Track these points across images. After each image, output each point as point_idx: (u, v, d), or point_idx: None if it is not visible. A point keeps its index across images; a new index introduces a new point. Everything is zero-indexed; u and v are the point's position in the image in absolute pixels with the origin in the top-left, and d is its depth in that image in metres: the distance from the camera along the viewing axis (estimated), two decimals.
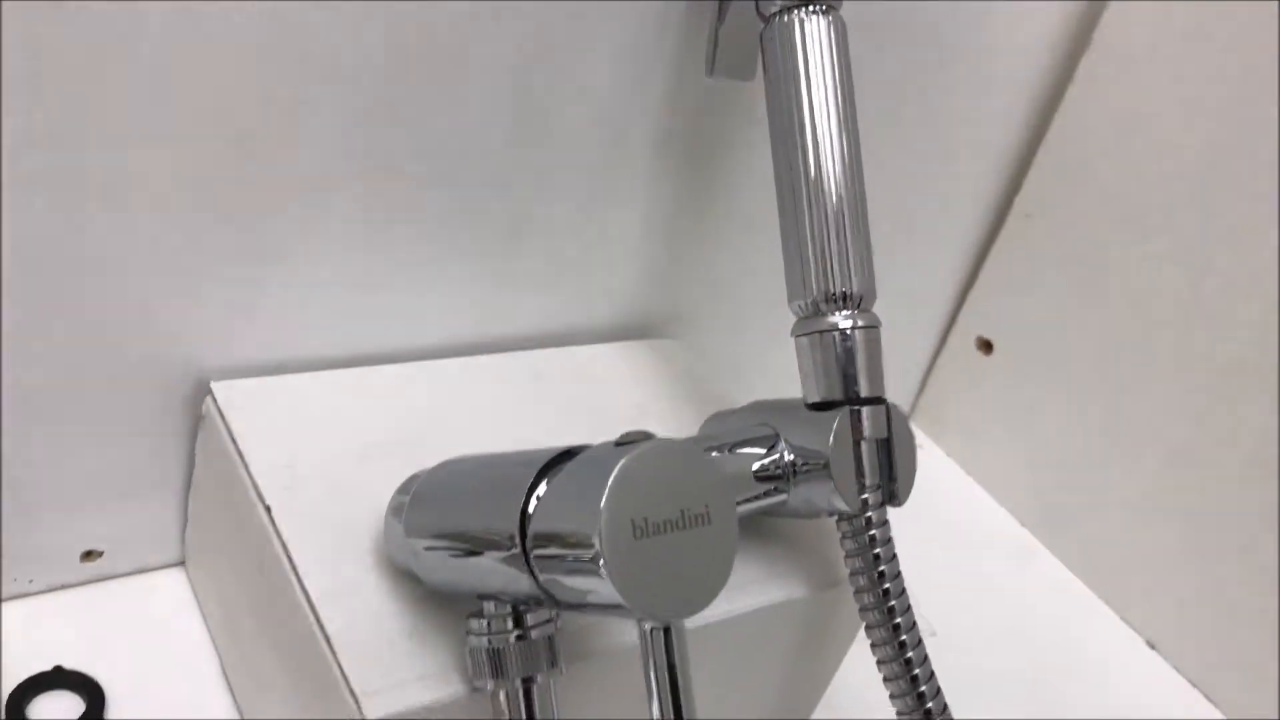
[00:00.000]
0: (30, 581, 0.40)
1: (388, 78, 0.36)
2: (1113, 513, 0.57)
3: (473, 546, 0.29)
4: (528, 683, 0.30)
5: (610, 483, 0.25)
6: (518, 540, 0.27)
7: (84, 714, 0.37)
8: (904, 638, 0.37)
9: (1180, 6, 0.50)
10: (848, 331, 0.36)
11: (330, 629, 0.32)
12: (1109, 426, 0.56)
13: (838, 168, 0.37)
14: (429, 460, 0.37)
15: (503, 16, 0.37)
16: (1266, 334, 0.49)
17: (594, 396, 0.45)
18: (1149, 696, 0.54)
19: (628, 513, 0.25)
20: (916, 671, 0.37)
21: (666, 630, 0.27)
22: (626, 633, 0.33)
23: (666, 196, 0.46)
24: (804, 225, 0.37)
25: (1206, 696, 0.54)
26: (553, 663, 0.30)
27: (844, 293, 0.37)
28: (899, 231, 0.54)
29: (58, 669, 0.38)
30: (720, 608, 0.35)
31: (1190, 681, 0.54)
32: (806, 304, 0.37)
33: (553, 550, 0.26)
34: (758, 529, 0.39)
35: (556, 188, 0.43)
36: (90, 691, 0.37)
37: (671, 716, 0.26)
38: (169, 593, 0.42)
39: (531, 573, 0.27)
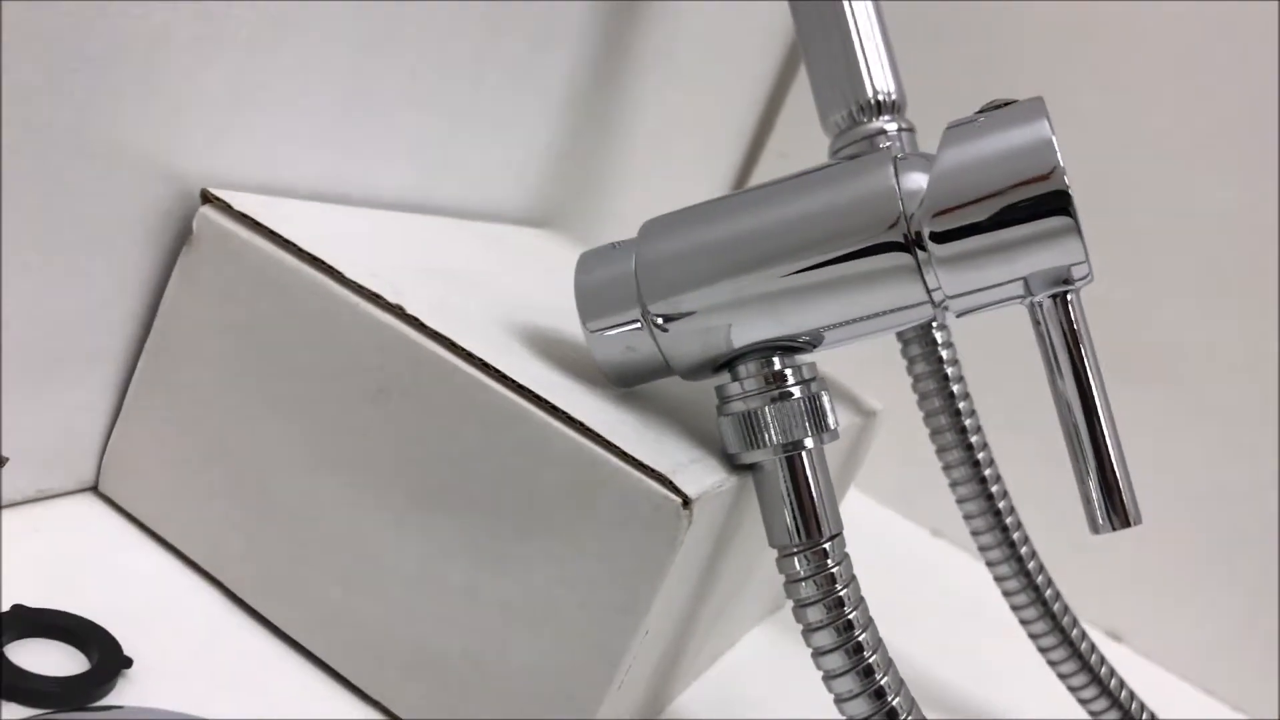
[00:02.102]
0: None
1: None
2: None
3: (802, 271, 0.25)
4: (794, 448, 0.26)
5: (1047, 120, 0.23)
6: (903, 235, 0.24)
7: (93, 669, 0.24)
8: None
9: None
10: (895, 134, 0.37)
11: (594, 424, 0.25)
12: None
13: None
14: (494, 288, 0.31)
15: None
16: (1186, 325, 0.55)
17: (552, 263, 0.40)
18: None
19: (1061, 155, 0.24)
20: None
21: (1065, 300, 0.25)
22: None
23: (571, 99, 0.43)
24: (840, 35, 0.37)
25: (1181, 677, 0.55)
26: (822, 425, 0.27)
27: (884, 99, 0.37)
28: (657, 165, 0.55)
29: (17, 606, 0.24)
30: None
31: (1163, 667, 0.55)
32: (845, 115, 0.37)
33: (975, 219, 0.24)
34: None
35: (492, 72, 0.38)
36: (94, 639, 0.25)
37: (1077, 391, 0.25)
38: (93, 518, 0.29)
39: (918, 267, 0.24)
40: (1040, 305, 0.25)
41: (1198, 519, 0.55)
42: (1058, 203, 0.23)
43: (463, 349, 0.26)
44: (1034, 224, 0.24)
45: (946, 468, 0.37)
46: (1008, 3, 0.58)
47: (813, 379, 0.27)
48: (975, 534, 0.38)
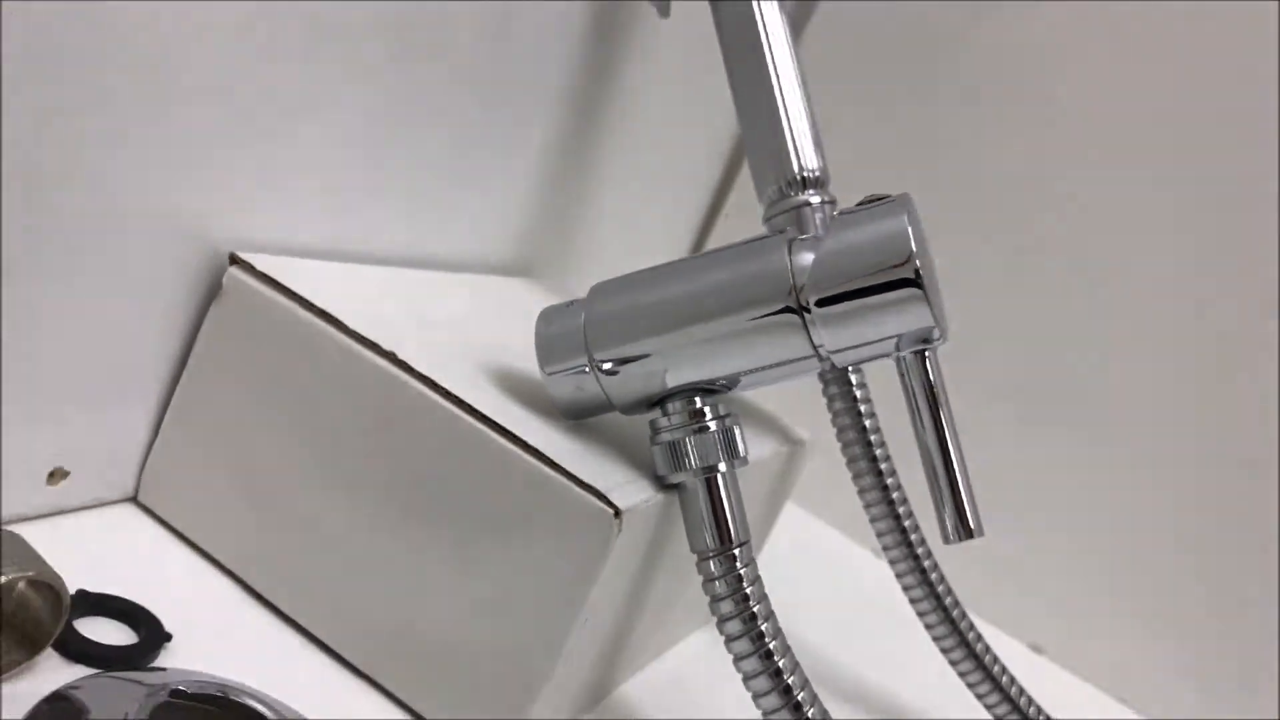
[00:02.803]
0: None
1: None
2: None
3: (716, 330, 0.31)
4: (710, 471, 0.32)
5: (909, 215, 0.30)
6: (792, 302, 0.30)
7: (141, 641, 0.30)
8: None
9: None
10: (818, 206, 0.43)
11: (546, 450, 0.31)
12: None
13: (795, 73, 0.44)
14: (480, 336, 0.37)
15: None
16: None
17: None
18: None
19: (920, 240, 0.30)
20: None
21: (922, 353, 0.31)
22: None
23: (563, 149, 0.50)
24: (771, 120, 0.44)
25: (1105, 691, 0.61)
26: (734, 453, 0.33)
27: (809, 175, 0.44)
28: (626, 219, 0.61)
29: (81, 592, 0.30)
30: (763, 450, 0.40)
31: (1079, 677, 0.61)
32: (776, 189, 0.44)
33: (849, 291, 0.30)
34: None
35: (481, 142, 0.45)
36: (142, 619, 0.31)
37: (934, 428, 0.31)
38: (133, 524, 0.35)
39: (805, 328, 0.31)
40: (904, 359, 0.31)
41: (1112, 543, 0.61)
42: (911, 281, 0.30)
43: (442, 388, 0.32)
44: (892, 295, 0.30)
45: (861, 493, 0.43)
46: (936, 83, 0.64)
47: (727, 415, 0.33)
48: (885, 549, 0.44)
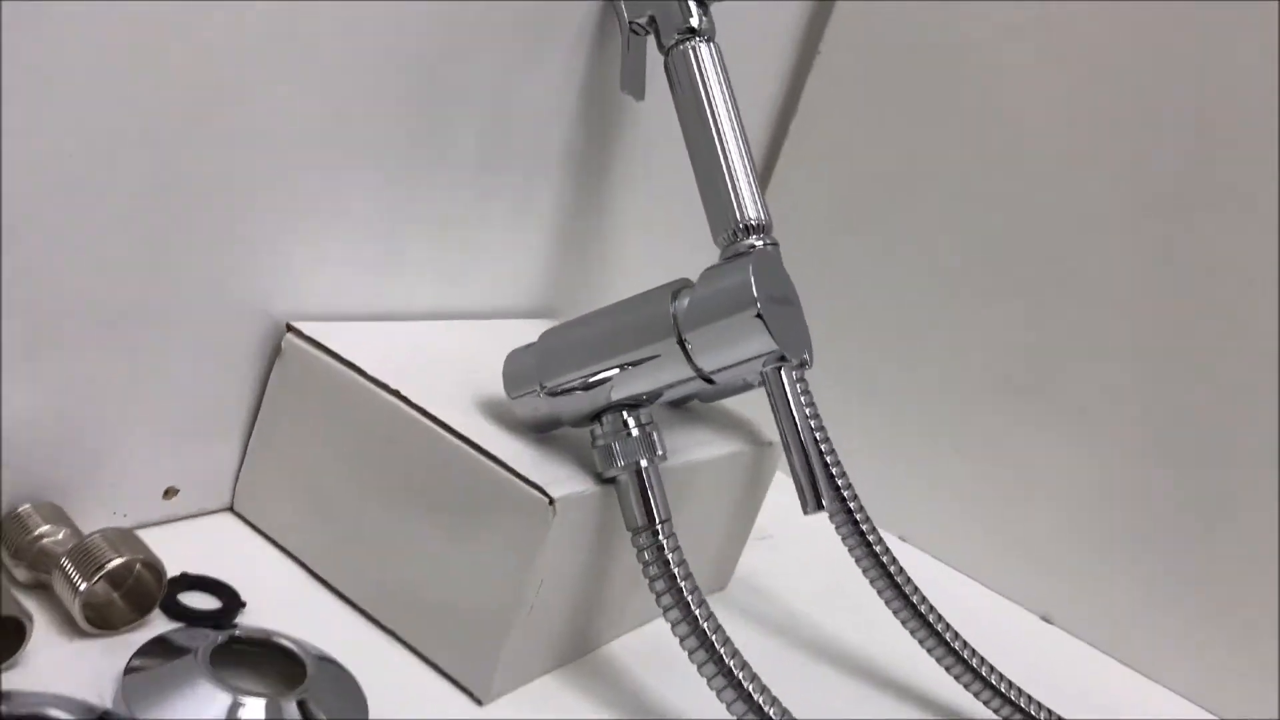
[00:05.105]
0: (124, 516, 0.44)
1: (414, 91, 0.49)
2: (986, 505, 0.71)
3: (627, 363, 0.41)
4: (639, 465, 0.42)
5: (753, 266, 0.39)
6: (675, 337, 0.40)
7: (223, 607, 0.42)
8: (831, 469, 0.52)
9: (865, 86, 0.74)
10: (761, 248, 0.53)
11: (498, 454, 0.42)
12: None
13: (739, 140, 0.54)
14: (482, 373, 0.47)
15: (482, 49, 0.51)
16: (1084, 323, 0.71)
17: None
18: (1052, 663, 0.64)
19: (765, 287, 0.39)
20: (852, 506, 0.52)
21: (779, 370, 0.41)
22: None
23: (571, 201, 0.61)
24: (722, 180, 0.53)
25: (1111, 656, 0.67)
26: (654, 450, 0.43)
27: (754, 223, 0.53)
28: (640, 260, 0.70)
29: (183, 574, 0.43)
30: (697, 455, 0.50)
31: (1093, 646, 0.67)
32: (728, 234, 0.53)
33: (711, 327, 0.40)
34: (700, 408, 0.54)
35: (496, 204, 0.56)
36: (225, 592, 0.43)
37: (794, 435, 0.40)
38: (232, 529, 0.48)
39: (688, 356, 0.40)
40: (765, 374, 0.41)
41: (1116, 514, 0.67)
42: (755, 318, 0.39)
43: (430, 414, 0.43)
44: (742, 328, 0.39)
45: None
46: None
47: (649, 423, 0.43)
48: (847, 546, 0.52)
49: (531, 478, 0.41)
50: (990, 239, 0.70)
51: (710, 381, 0.41)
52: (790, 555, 0.66)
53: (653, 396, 0.43)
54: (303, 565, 0.47)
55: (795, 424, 0.40)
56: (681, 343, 0.40)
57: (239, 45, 0.40)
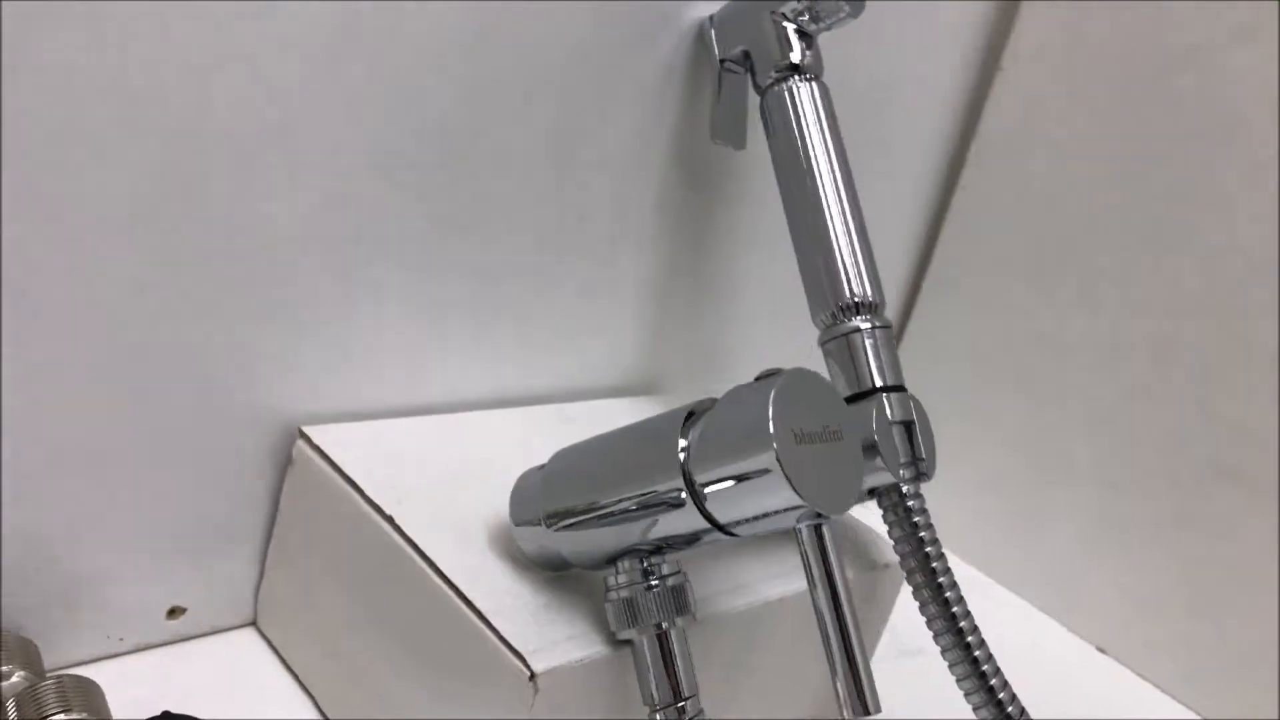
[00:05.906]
0: (120, 640, 0.41)
1: (444, 162, 0.42)
2: (1051, 538, 0.64)
3: (632, 505, 0.33)
4: (661, 628, 0.34)
5: (773, 398, 0.30)
6: (681, 480, 0.32)
7: None
8: (948, 595, 0.42)
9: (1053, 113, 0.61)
10: (868, 331, 0.43)
11: (482, 606, 0.35)
12: (1036, 461, 0.64)
13: (845, 200, 0.44)
14: (506, 485, 0.40)
15: (535, 101, 0.43)
16: (1165, 355, 0.58)
17: None
18: (1107, 696, 0.59)
19: (789, 424, 0.30)
20: (962, 624, 0.42)
21: (819, 528, 0.31)
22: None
23: (663, 264, 0.53)
24: (823, 249, 0.44)
25: (1162, 690, 0.60)
26: (683, 610, 0.34)
27: (860, 301, 0.43)
28: (749, 325, 0.60)
29: (165, 713, 0.38)
30: (772, 590, 0.41)
31: (1144, 679, 0.61)
32: (829, 315, 0.44)
33: (723, 472, 0.31)
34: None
35: (567, 267, 0.49)
36: None
37: (831, 602, 0.31)
38: (248, 649, 0.43)
39: (699, 504, 0.31)
40: (800, 532, 0.31)
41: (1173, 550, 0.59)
42: (772, 465, 0.30)
43: (420, 548, 0.37)
44: (758, 475, 0.30)
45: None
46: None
47: (676, 573, 0.35)
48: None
49: (513, 640, 0.34)
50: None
51: (731, 534, 0.33)
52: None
53: (673, 544, 0.35)
54: (313, 699, 0.42)
55: (839, 602, 0.31)
56: (691, 485, 0.32)
57: (243, 138, 0.36)
